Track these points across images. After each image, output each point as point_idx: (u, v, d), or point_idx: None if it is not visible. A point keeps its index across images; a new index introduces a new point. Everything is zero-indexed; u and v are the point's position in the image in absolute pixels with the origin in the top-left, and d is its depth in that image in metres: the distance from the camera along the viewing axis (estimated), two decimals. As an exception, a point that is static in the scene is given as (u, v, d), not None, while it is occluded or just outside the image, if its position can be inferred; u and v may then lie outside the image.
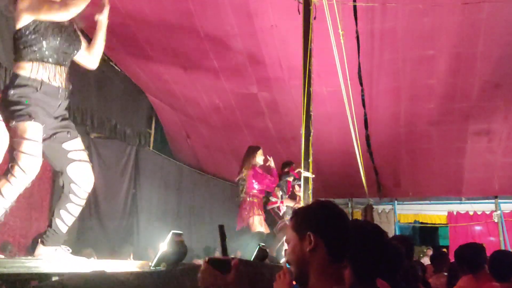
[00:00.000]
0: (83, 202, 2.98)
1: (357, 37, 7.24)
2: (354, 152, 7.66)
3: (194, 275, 1.72)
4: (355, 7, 6.84)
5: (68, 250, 2.95)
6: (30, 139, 2.72)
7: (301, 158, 5.15)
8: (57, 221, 2.92)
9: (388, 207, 13.63)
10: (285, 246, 5.72)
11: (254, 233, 5.99)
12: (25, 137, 2.71)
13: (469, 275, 3.27)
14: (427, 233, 15.22)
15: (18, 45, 2.87)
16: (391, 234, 10.46)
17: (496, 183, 11.49)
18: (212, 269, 1.61)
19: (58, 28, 2.93)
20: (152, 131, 10.57)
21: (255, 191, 6.25)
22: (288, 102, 9.03)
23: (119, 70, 9.04)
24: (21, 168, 2.68)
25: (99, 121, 8.17)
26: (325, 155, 9.56)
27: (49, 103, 2.86)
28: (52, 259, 2.77)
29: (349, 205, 13.49)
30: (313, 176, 5.13)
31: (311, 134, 5.24)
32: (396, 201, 13.41)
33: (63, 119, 2.99)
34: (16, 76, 2.83)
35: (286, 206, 6.94)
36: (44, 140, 2.83)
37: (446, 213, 13.17)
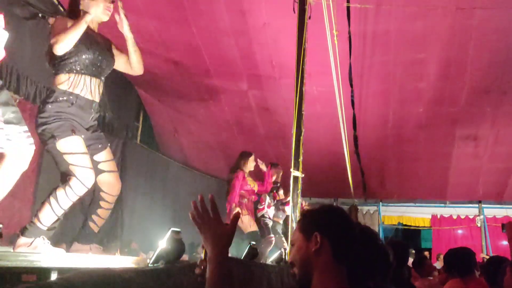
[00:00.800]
0: (111, 206, 3.25)
1: (349, 38, 7.25)
2: (342, 153, 7.67)
3: (193, 273, 1.68)
4: (348, 8, 6.84)
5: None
6: (79, 152, 2.90)
7: (291, 157, 5.11)
8: (91, 224, 3.17)
9: (373, 208, 13.75)
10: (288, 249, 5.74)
11: (247, 233, 6.02)
12: (74, 151, 2.88)
13: (457, 279, 3.28)
14: (409, 235, 15.39)
15: (55, 59, 2.98)
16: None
17: (480, 188, 11.65)
18: (215, 206, 1.60)
19: (91, 42, 3.09)
20: (140, 125, 10.48)
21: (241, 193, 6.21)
22: (278, 100, 9.01)
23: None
24: (79, 180, 2.85)
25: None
26: (312, 155, 9.56)
27: (82, 116, 3.01)
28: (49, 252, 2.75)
29: (334, 205, 13.53)
30: (303, 175, 5.11)
31: (302, 133, 5.22)
32: (381, 203, 13.52)
33: (94, 130, 3.16)
34: (52, 91, 2.96)
35: (274, 206, 6.98)
36: None
37: (430, 216, 13.33)
